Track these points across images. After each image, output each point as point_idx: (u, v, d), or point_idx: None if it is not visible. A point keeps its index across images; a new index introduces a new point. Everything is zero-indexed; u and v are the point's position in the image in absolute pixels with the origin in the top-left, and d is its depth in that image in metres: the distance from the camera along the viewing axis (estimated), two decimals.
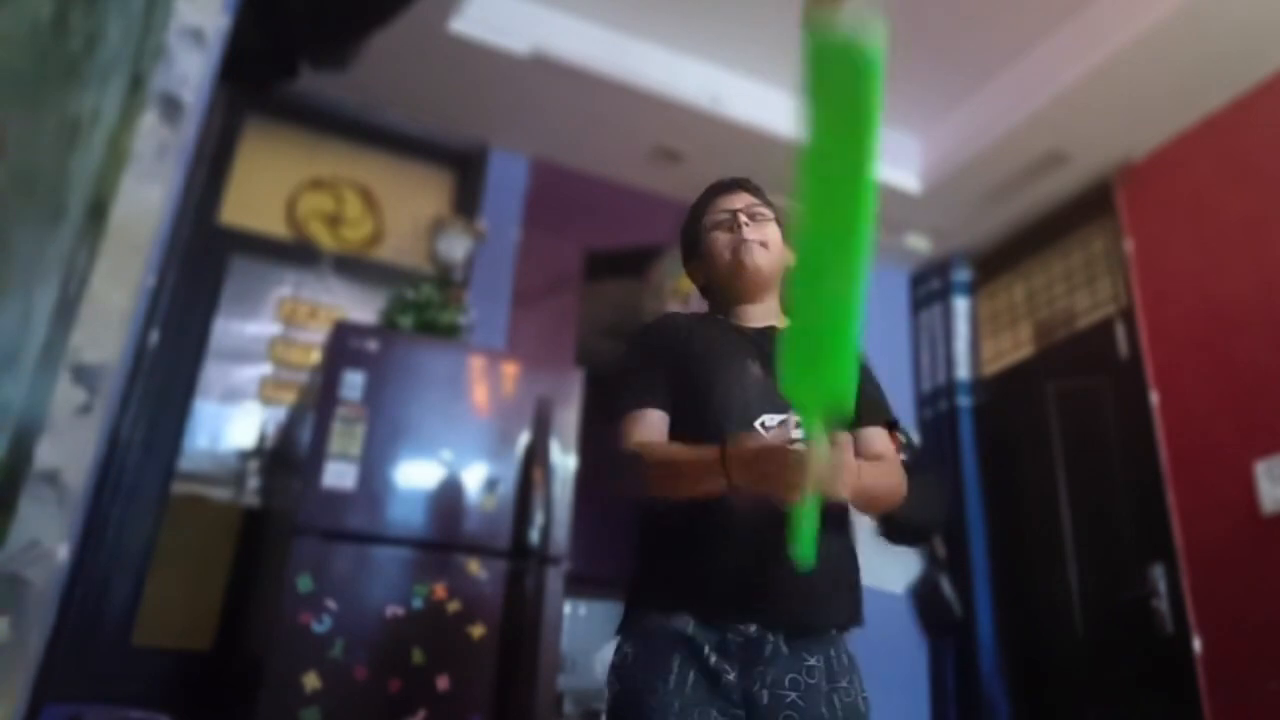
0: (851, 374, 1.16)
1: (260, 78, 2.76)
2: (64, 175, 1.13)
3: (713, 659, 1.35)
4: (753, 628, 1.37)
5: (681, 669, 1.35)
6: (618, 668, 1.42)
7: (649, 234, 3.56)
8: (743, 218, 1.59)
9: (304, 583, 2.24)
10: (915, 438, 4.08)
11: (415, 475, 2.45)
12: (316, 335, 3.20)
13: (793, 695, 1.35)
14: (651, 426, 1.48)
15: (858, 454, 1.51)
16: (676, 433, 1.48)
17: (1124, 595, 3.19)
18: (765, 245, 1.58)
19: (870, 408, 1.56)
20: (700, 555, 1.40)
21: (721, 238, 1.60)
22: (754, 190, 1.66)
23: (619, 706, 1.39)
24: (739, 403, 1.45)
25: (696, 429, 1.43)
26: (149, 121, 1.23)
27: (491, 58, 3.23)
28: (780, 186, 1.65)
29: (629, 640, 1.44)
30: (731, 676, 1.35)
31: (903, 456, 1.65)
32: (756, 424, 1.44)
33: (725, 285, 1.61)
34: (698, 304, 1.77)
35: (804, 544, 1.19)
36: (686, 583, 1.40)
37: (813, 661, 1.38)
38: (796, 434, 1.40)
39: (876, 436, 1.56)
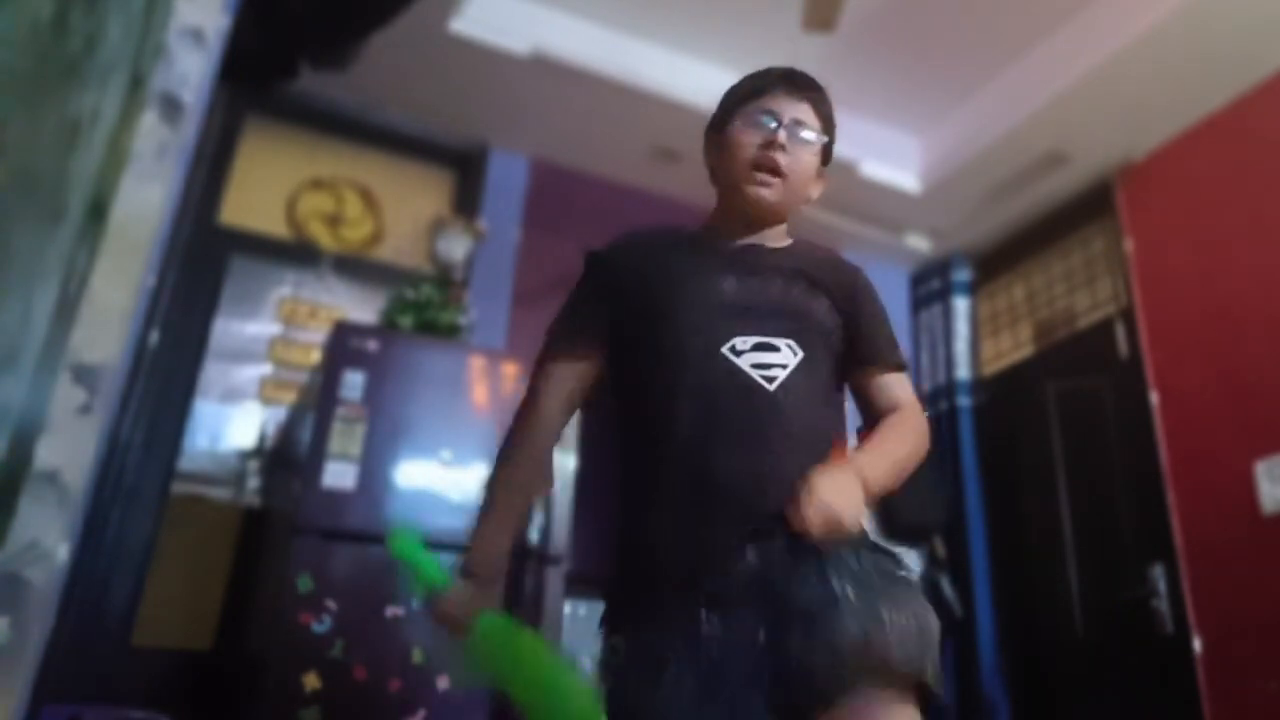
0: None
1: (260, 78, 2.76)
2: (64, 175, 1.13)
3: (714, 648, 1.16)
4: (750, 553, 1.17)
5: (679, 661, 1.16)
6: (608, 664, 1.25)
7: None
8: (782, 136, 1.33)
9: (304, 583, 2.24)
10: None
11: (415, 475, 2.45)
12: (316, 335, 3.20)
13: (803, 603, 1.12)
14: (557, 382, 1.40)
15: (875, 405, 1.36)
16: (632, 366, 1.34)
17: (1124, 595, 3.19)
18: (785, 178, 1.33)
19: (882, 347, 1.37)
20: (658, 510, 1.25)
21: (745, 143, 1.35)
22: (817, 102, 1.39)
23: (614, 710, 1.21)
24: (703, 326, 1.27)
25: (651, 360, 1.29)
26: (149, 121, 1.23)
27: (491, 58, 3.23)
28: None
29: (617, 631, 1.26)
30: (736, 633, 1.15)
31: None
32: (724, 349, 1.25)
33: (725, 192, 1.41)
34: None
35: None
36: (658, 548, 1.24)
37: (812, 571, 1.15)
38: (775, 357, 1.27)
39: (895, 383, 1.36)
